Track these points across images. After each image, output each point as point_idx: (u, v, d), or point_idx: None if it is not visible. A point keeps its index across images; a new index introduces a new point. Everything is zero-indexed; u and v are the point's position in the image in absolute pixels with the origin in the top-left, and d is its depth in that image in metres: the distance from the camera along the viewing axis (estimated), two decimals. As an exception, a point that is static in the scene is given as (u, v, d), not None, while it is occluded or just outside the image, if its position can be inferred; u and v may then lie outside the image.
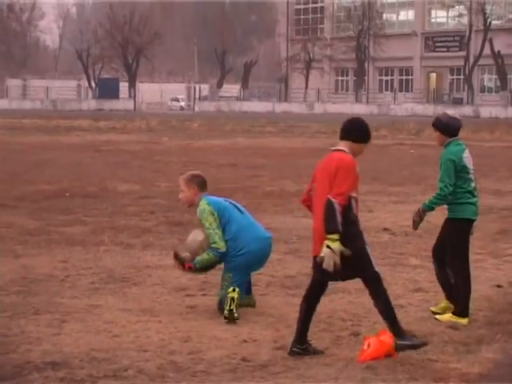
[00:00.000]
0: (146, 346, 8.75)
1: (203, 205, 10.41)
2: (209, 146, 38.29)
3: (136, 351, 8.56)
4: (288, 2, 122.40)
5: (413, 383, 7.67)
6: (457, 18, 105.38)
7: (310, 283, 8.77)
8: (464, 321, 9.75)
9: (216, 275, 12.03)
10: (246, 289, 10.45)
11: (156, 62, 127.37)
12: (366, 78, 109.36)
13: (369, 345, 8.35)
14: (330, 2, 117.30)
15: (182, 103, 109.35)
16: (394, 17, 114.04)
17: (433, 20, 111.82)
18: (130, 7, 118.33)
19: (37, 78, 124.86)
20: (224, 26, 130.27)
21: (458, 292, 9.95)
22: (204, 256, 10.14)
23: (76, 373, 7.85)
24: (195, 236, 10.77)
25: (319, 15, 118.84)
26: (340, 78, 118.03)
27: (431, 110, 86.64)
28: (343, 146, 8.82)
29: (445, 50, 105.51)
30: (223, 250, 10.15)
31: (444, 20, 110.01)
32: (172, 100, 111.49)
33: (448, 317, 9.81)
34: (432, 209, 9.94)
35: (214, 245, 10.13)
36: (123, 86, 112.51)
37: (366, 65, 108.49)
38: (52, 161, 30.00)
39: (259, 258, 10.39)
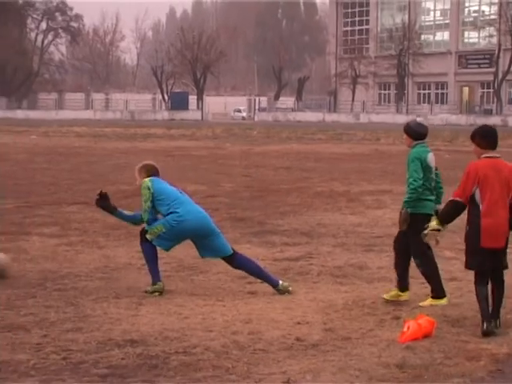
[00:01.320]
0: (211, 326, 8.78)
1: (145, 182, 10.79)
2: (267, 151, 38.30)
3: (203, 331, 8.59)
4: (337, 25, 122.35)
5: (448, 361, 7.62)
6: (487, 38, 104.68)
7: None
8: (443, 301, 9.76)
9: (273, 265, 12.07)
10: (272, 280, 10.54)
11: (221, 77, 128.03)
12: (405, 91, 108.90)
13: (408, 327, 8.36)
14: (374, 25, 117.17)
15: (244, 114, 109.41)
16: (430, 37, 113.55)
17: (466, 40, 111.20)
18: (198, 29, 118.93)
19: (117, 92, 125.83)
20: (281, 45, 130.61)
21: (427, 279, 10.01)
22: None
23: (151, 349, 7.91)
24: None
25: (364, 36, 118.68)
26: (383, 92, 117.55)
27: (464, 119, 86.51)
28: (496, 152, 9.03)
29: (476, 66, 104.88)
30: (145, 220, 10.72)
31: (476, 40, 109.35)
32: (235, 111, 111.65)
33: (429, 302, 9.78)
34: (410, 205, 9.83)
35: (142, 216, 10.80)
36: (192, 99, 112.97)
37: (406, 80, 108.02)
38: (130, 164, 30.03)
39: (193, 227, 10.50)
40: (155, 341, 8.22)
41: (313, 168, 28.96)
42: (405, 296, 9.97)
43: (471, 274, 10.45)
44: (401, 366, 7.47)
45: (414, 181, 9.73)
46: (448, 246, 13.46)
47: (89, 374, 7.20)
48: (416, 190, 9.73)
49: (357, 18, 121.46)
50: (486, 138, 9.09)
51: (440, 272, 10.11)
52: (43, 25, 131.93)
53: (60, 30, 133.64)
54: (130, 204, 18.78)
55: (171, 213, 10.45)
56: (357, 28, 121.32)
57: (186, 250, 13.23)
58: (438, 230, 9.20)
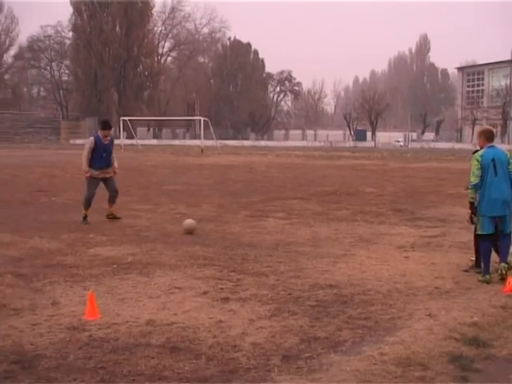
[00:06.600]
0: (380, 278, 8.62)
1: (478, 152, 8.63)
2: (416, 167, 37.40)
3: (375, 280, 8.45)
4: (462, 86, 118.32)
5: (537, 307, 7.26)
6: None
7: None
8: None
9: (420, 240, 11.73)
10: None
11: (387, 120, 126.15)
12: (507, 129, 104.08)
13: (509, 282, 7.98)
14: (487, 86, 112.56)
15: (401, 143, 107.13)
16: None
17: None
18: (373, 90, 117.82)
19: (322, 129, 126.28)
20: (425, 100, 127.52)
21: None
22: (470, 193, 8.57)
23: (342, 291, 7.85)
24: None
25: (480, 94, 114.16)
26: (477, 131, 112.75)
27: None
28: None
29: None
30: (473, 182, 8.47)
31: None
32: (395, 141, 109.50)
33: None
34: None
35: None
36: (368, 134, 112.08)
37: (508, 122, 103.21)
38: (330, 174, 30.16)
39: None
40: (345, 286, 8.15)
41: (446, 178, 28.06)
42: None
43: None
44: (503, 307, 7.18)
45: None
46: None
47: (304, 305, 7.22)
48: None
49: (475, 82, 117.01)
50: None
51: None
52: (277, 88, 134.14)
53: (287, 92, 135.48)
54: (330, 199, 18.82)
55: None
56: (475, 88, 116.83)
57: (363, 229, 13.12)
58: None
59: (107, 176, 13.80)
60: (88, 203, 13.57)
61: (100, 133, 13.64)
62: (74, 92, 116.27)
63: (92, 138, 13.60)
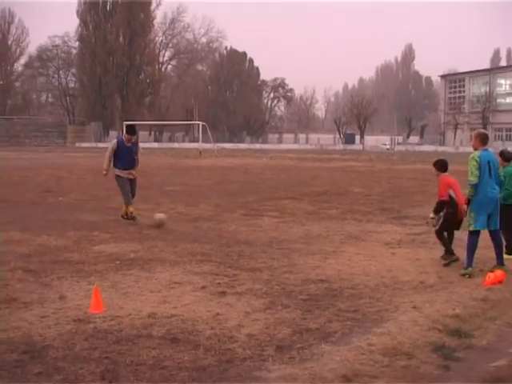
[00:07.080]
0: (368, 272, 8.61)
1: (475, 153, 8.69)
2: (401, 169, 37.44)
3: (363, 275, 8.44)
4: (445, 92, 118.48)
5: (514, 300, 7.28)
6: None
7: None
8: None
9: (406, 237, 11.72)
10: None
11: (374, 124, 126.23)
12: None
13: (489, 276, 8.05)
14: (468, 93, 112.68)
15: (388, 146, 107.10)
16: (503, 100, 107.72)
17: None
18: (361, 95, 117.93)
19: (313, 133, 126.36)
20: (410, 106, 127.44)
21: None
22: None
23: (332, 285, 7.84)
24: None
25: (462, 100, 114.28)
26: (473, 134, 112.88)
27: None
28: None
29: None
30: (473, 182, 8.53)
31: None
32: (382, 144, 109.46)
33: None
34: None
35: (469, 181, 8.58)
36: (357, 137, 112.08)
37: (488, 126, 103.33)
38: (321, 175, 30.14)
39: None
40: (335, 280, 8.15)
41: (430, 178, 27.87)
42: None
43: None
44: (484, 300, 7.19)
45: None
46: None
47: (296, 299, 7.22)
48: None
49: (457, 89, 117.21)
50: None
51: None
52: (271, 95, 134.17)
53: (281, 98, 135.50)
54: (320, 199, 18.81)
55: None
56: (457, 95, 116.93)
57: (352, 227, 13.12)
58: (433, 218, 9.49)
59: (131, 177, 13.88)
60: (127, 197, 13.64)
61: (124, 136, 13.80)
62: (79, 98, 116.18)
63: (115, 141, 13.84)
